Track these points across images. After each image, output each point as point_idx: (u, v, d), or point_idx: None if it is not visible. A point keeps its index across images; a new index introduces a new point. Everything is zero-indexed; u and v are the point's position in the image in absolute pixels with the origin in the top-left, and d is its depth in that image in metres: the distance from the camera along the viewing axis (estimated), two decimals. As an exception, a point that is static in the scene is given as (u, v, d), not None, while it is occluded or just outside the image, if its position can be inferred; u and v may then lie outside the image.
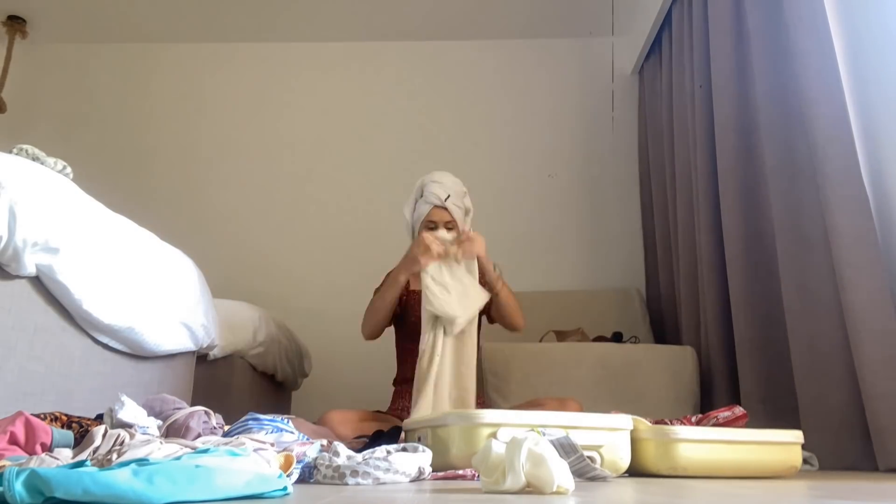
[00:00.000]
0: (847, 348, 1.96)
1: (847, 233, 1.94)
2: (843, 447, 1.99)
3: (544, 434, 1.36)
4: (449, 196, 2.35)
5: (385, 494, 1.07)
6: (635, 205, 3.85)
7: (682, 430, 1.58)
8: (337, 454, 1.29)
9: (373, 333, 2.38)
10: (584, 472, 1.35)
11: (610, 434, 1.51)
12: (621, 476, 1.56)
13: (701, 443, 1.55)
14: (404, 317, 2.41)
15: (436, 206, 2.35)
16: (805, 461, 1.96)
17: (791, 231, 2.25)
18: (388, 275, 2.37)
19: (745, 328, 2.50)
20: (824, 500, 0.98)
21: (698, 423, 1.73)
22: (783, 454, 1.60)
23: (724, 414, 1.73)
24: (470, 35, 4.08)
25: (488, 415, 1.46)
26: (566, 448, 1.34)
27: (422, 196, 2.40)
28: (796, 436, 1.63)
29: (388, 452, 1.32)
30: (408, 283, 2.38)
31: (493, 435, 1.40)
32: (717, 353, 2.71)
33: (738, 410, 1.74)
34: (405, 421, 1.82)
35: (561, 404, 2.15)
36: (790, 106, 2.30)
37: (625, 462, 1.53)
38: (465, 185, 2.46)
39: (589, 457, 1.40)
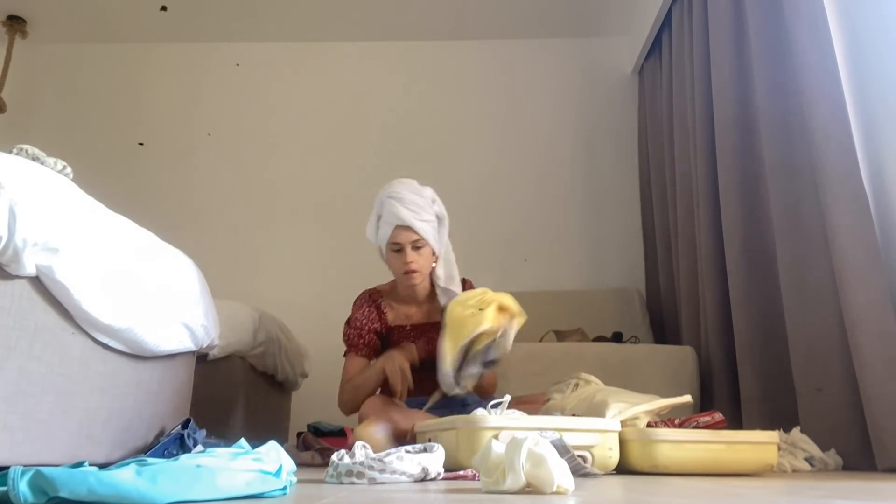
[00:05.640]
0: (846, 349, 1.96)
1: (847, 233, 1.94)
2: (842, 447, 1.99)
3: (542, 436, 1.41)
4: (412, 213, 2.12)
5: (385, 494, 1.07)
6: (635, 205, 3.85)
7: (661, 432, 1.68)
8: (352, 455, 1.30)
9: (355, 410, 2.18)
10: (577, 470, 1.45)
11: (600, 435, 1.62)
12: (609, 473, 1.65)
13: (679, 443, 1.66)
14: (386, 347, 2.29)
15: (398, 227, 2.13)
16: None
17: (791, 231, 2.25)
18: (370, 366, 2.19)
19: (745, 328, 2.50)
20: (824, 500, 0.98)
21: (680, 426, 1.81)
22: (757, 453, 1.68)
23: (704, 419, 1.82)
24: (470, 35, 4.08)
25: (491, 419, 1.56)
26: (559, 449, 1.40)
27: (381, 215, 2.18)
28: (770, 436, 1.71)
29: (407, 451, 1.33)
30: (386, 319, 2.27)
31: (496, 437, 1.46)
32: (717, 353, 2.71)
33: (718, 416, 1.83)
34: (417, 424, 1.84)
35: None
36: (790, 106, 2.30)
37: (614, 460, 1.64)
38: (433, 190, 2.23)
39: (581, 456, 1.53)
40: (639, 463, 1.67)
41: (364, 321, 2.26)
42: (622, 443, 1.68)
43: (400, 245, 2.15)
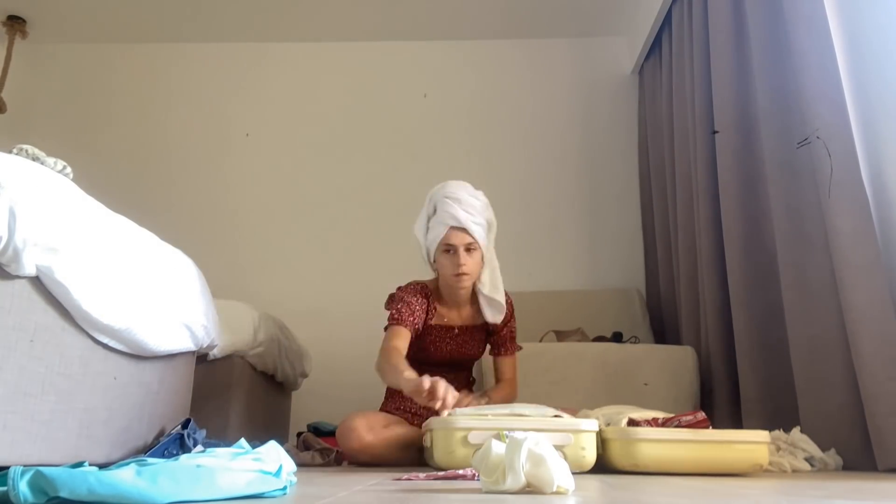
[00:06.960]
0: (847, 348, 1.96)
1: (847, 233, 1.94)
2: (842, 447, 1.99)
3: (508, 437, 1.41)
4: (468, 215, 2.11)
5: (385, 495, 1.07)
6: (635, 205, 3.85)
7: (643, 431, 1.68)
8: None
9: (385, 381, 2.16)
10: None
11: (572, 435, 1.64)
12: (586, 473, 1.65)
13: (660, 442, 1.66)
14: (420, 343, 2.27)
15: (452, 228, 2.11)
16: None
17: (791, 231, 2.25)
18: (397, 371, 1.97)
19: (745, 328, 2.50)
20: (824, 500, 0.98)
21: (663, 425, 1.80)
22: (741, 453, 1.68)
23: (686, 418, 1.82)
24: (469, 35, 4.08)
25: (462, 420, 1.63)
26: None
27: (434, 214, 2.16)
28: (757, 435, 1.70)
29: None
30: (432, 315, 2.24)
31: (465, 438, 1.58)
32: (717, 353, 2.71)
33: (700, 415, 1.83)
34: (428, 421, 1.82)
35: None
36: (790, 106, 2.30)
37: (588, 460, 1.65)
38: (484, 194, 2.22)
39: None
40: (619, 462, 1.67)
41: (417, 306, 2.20)
42: (603, 442, 1.69)
43: (453, 247, 2.13)
